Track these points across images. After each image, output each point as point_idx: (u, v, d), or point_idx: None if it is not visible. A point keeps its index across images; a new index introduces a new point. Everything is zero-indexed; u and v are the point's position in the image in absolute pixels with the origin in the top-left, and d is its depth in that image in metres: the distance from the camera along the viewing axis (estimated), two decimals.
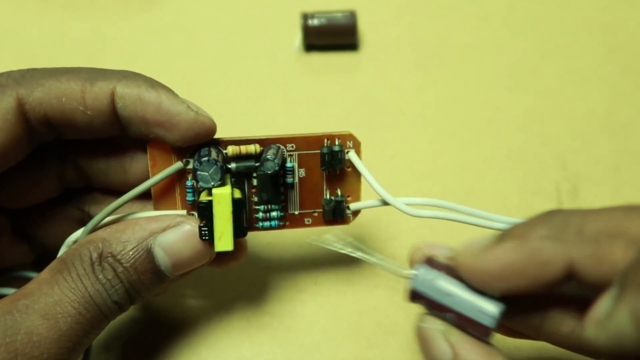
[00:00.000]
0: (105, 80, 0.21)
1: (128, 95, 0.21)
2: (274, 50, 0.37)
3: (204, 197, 0.22)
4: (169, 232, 0.22)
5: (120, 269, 0.21)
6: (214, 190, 0.22)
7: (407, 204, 0.24)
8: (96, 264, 0.21)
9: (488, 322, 0.19)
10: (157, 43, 0.37)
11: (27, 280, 0.25)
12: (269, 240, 0.30)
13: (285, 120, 0.34)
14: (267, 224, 0.24)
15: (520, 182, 0.32)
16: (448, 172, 0.32)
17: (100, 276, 0.21)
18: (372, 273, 0.29)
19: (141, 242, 0.21)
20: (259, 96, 0.35)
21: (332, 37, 0.36)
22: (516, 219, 0.22)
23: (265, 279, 0.29)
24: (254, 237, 0.29)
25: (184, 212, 0.24)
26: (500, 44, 0.37)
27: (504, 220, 0.24)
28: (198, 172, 0.22)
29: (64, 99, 0.21)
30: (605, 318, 0.16)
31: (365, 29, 0.38)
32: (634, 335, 0.15)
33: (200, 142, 0.23)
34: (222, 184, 0.22)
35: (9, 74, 0.22)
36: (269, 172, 0.22)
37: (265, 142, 0.23)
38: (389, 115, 0.34)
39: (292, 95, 0.35)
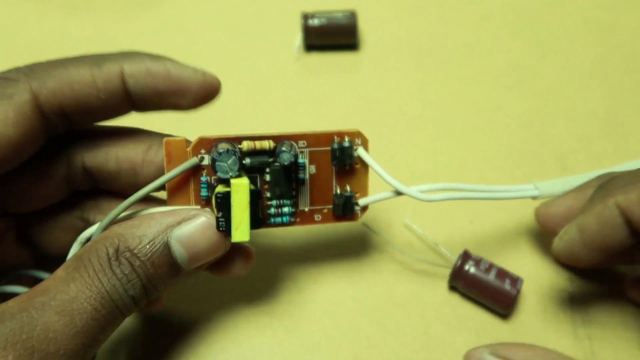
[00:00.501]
0: (112, 62, 0.22)
1: (137, 71, 0.22)
2: (274, 50, 0.37)
3: (221, 189, 0.23)
4: (185, 225, 0.22)
5: (137, 263, 0.21)
6: (233, 180, 0.22)
7: (420, 191, 0.25)
8: (113, 259, 0.21)
9: None
10: (157, 43, 0.37)
11: (33, 279, 0.25)
12: (269, 240, 0.30)
13: (286, 120, 0.34)
14: (278, 219, 0.24)
15: (520, 182, 0.32)
16: (448, 172, 0.32)
17: (117, 271, 0.21)
18: (372, 273, 0.29)
19: (157, 236, 0.22)
20: (259, 96, 0.35)
21: (332, 37, 0.36)
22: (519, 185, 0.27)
23: (265, 280, 0.29)
24: (254, 238, 0.29)
25: (199, 206, 0.24)
26: (500, 44, 0.37)
27: (510, 189, 0.27)
28: (217, 163, 0.22)
29: (76, 86, 0.22)
30: (563, 233, 0.25)
31: (365, 29, 0.38)
32: (578, 240, 0.24)
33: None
34: (239, 176, 0.23)
35: (17, 69, 0.22)
36: (285, 163, 0.23)
37: (277, 139, 0.24)
38: (389, 115, 0.34)
39: (292, 95, 0.35)
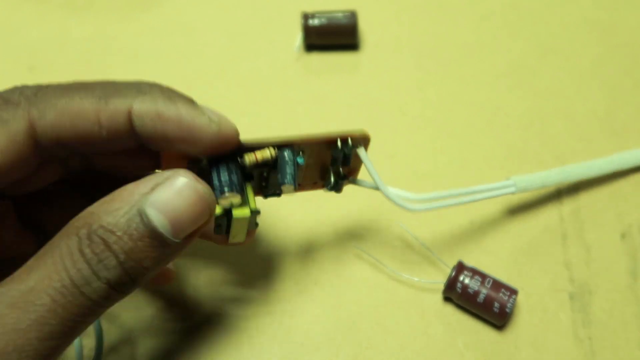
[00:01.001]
0: (121, 97, 0.20)
1: (146, 112, 0.20)
2: (274, 50, 0.37)
3: (219, 211, 0.22)
4: (160, 189, 0.20)
5: (113, 239, 0.19)
6: (235, 214, 0.22)
7: (403, 198, 0.25)
8: (84, 238, 0.19)
9: None
10: (157, 43, 0.37)
11: None
12: (269, 240, 0.30)
13: (285, 120, 0.34)
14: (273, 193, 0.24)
15: None
16: (448, 172, 0.32)
17: (87, 251, 0.19)
18: (372, 273, 0.29)
19: (132, 206, 0.19)
20: (259, 96, 0.35)
21: (332, 37, 0.36)
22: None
23: (265, 280, 0.29)
24: (253, 239, 0.29)
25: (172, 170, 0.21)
26: (500, 44, 0.37)
27: (489, 187, 0.28)
28: (219, 196, 0.21)
29: (77, 121, 0.20)
30: None
31: (366, 29, 0.38)
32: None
33: (223, 152, 0.22)
34: (242, 199, 0.22)
35: (21, 90, 0.20)
36: (287, 182, 0.23)
37: (280, 146, 0.23)
38: (389, 115, 0.34)
39: (292, 95, 0.35)
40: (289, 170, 0.23)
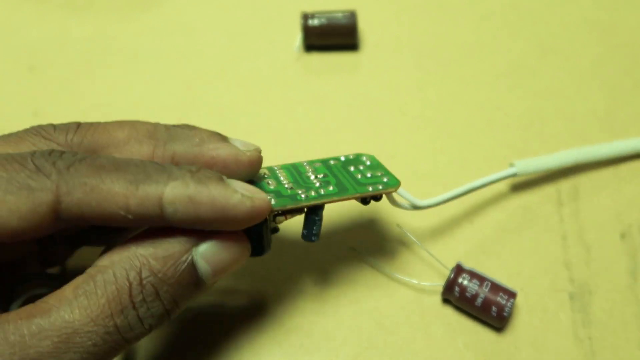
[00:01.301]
0: (152, 183, 0.20)
1: (178, 199, 0.20)
2: (273, 51, 0.37)
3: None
4: (210, 240, 0.21)
5: (165, 289, 0.20)
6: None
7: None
8: (135, 284, 0.19)
9: None
10: (157, 43, 0.37)
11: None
12: None
13: (286, 121, 0.34)
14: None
15: (520, 181, 0.32)
16: (448, 172, 0.32)
17: (138, 300, 0.19)
18: (371, 274, 0.29)
19: (182, 255, 0.20)
20: (259, 96, 0.35)
21: (332, 37, 0.36)
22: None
23: (265, 280, 0.29)
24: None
25: None
26: (500, 44, 0.37)
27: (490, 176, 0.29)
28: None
29: (104, 204, 0.20)
30: None
31: (366, 29, 0.38)
32: None
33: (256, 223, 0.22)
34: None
35: (54, 161, 0.20)
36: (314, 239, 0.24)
37: (311, 210, 0.23)
38: (389, 115, 0.34)
39: (292, 95, 0.35)
40: (315, 230, 0.24)
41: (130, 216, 0.20)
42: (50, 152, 0.20)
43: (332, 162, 0.26)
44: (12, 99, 0.35)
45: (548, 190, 0.32)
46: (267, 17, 0.38)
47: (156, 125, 0.23)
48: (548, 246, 0.30)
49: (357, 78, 0.36)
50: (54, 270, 0.27)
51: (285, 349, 0.27)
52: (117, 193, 0.19)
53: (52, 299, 0.19)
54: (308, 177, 0.24)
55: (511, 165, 0.30)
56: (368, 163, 0.26)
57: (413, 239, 0.29)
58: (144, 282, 0.20)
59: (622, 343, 0.27)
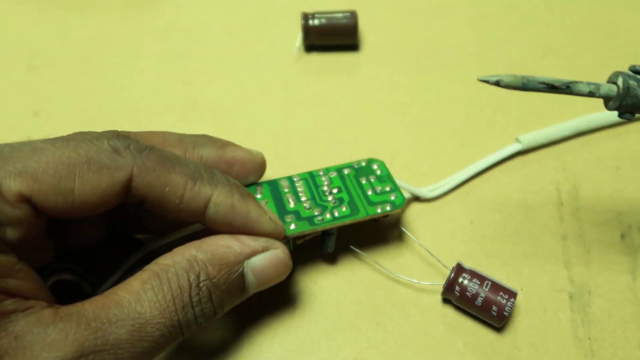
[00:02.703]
0: (205, 184, 0.23)
1: (222, 204, 0.23)
2: (274, 51, 0.37)
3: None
4: (261, 257, 0.23)
5: (217, 293, 0.22)
6: None
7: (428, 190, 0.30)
8: (194, 285, 0.22)
9: None
10: (157, 43, 0.37)
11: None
12: None
13: (286, 120, 0.34)
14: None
15: (520, 181, 0.32)
16: (448, 172, 0.32)
17: (195, 300, 0.22)
18: (372, 273, 0.29)
19: (236, 265, 0.23)
20: (259, 96, 0.35)
21: (332, 37, 0.36)
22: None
23: None
24: None
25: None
26: (500, 44, 0.37)
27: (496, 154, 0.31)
28: None
29: (167, 191, 0.22)
30: None
31: (366, 29, 0.38)
32: None
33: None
34: None
35: (128, 144, 0.22)
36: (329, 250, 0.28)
37: (326, 232, 0.27)
38: (389, 115, 0.34)
39: (292, 95, 0.35)
40: (330, 243, 0.27)
41: (181, 206, 0.22)
42: (120, 136, 0.22)
43: (345, 170, 0.28)
44: (12, 99, 0.35)
45: (548, 190, 0.32)
46: (267, 17, 0.38)
47: (182, 134, 0.26)
48: (548, 246, 0.30)
49: (357, 78, 0.36)
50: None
51: (285, 348, 0.27)
52: (178, 183, 0.22)
53: (122, 290, 0.21)
54: (324, 192, 0.27)
55: (517, 141, 0.32)
56: (379, 172, 0.28)
57: (413, 238, 0.29)
58: (201, 284, 0.22)
59: (622, 343, 0.27)
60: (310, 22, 0.36)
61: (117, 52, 0.37)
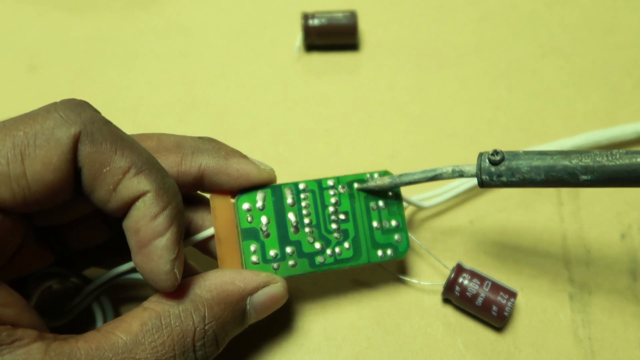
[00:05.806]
0: (145, 178, 0.21)
1: (148, 204, 0.21)
2: (274, 51, 0.37)
3: None
4: (262, 294, 0.23)
5: (222, 334, 0.22)
6: None
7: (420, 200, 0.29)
8: (199, 329, 0.21)
9: None
10: (157, 43, 0.37)
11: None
12: None
13: (286, 120, 0.34)
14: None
15: None
16: None
17: (199, 344, 0.21)
18: (371, 274, 0.29)
19: (239, 304, 0.23)
20: (259, 96, 0.35)
21: (332, 37, 0.36)
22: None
23: None
24: None
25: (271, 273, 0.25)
26: (500, 44, 0.37)
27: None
28: None
29: (105, 170, 0.20)
30: None
31: (366, 29, 0.38)
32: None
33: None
34: None
35: (81, 113, 0.20)
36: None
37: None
38: (389, 115, 0.34)
39: (292, 95, 0.35)
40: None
41: (113, 193, 0.21)
42: (78, 105, 0.20)
43: (356, 185, 0.26)
44: (12, 99, 0.35)
45: (548, 190, 0.32)
46: (267, 17, 0.38)
47: (182, 137, 0.24)
48: (548, 246, 0.30)
49: (357, 78, 0.36)
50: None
51: (285, 348, 0.27)
52: (120, 167, 0.20)
53: (119, 330, 0.20)
54: (329, 217, 0.25)
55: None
56: (390, 193, 0.26)
57: (413, 238, 0.29)
58: (207, 327, 0.21)
59: (622, 343, 0.27)
60: (310, 22, 0.36)
61: (117, 52, 0.37)
